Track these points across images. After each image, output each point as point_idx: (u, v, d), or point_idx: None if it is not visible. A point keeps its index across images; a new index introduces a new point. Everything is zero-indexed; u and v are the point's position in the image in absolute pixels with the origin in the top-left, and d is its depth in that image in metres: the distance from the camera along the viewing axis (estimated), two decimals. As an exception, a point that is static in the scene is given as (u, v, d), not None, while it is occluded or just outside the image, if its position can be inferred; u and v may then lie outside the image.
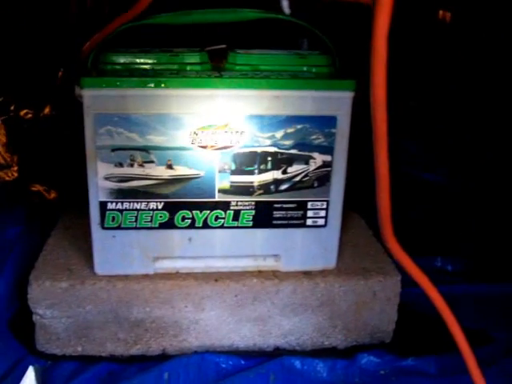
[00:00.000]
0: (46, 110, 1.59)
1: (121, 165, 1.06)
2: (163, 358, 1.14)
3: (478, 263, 1.49)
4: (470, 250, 1.55)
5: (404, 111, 1.73)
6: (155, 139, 1.05)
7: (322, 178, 1.11)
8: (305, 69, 1.11)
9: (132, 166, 1.06)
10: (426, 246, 1.52)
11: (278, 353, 1.17)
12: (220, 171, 1.08)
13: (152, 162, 1.07)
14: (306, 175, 1.11)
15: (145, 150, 1.06)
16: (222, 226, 1.12)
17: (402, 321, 1.22)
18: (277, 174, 1.10)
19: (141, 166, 1.07)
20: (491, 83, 1.76)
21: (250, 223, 1.12)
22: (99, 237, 1.11)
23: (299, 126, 1.08)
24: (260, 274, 1.16)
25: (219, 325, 1.16)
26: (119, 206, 1.09)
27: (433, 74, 1.85)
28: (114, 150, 1.05)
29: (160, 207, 1.10)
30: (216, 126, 1.06)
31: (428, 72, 1.83)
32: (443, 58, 1.82)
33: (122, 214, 1.09)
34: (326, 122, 1.08)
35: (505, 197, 1.70)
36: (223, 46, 1.15)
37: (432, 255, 1.51)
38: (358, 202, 1.39)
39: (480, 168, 1.79)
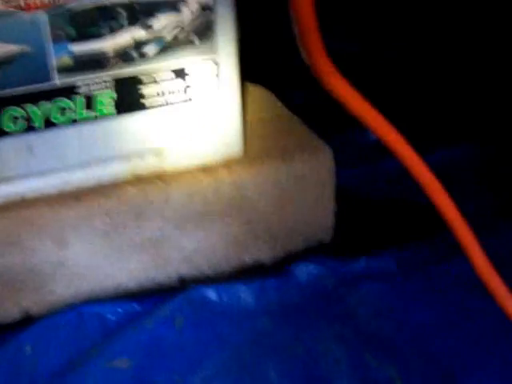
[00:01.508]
0: None
1: None
2: (28, 322, 0.97)
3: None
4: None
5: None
6: None
7: (204, 30, 0.94)
8: None
9: None
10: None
11: (184, 285, 1.03)
12: (54, 40, 0.88)
13: None
14: (178, 27, 0.92)
15: None
16: (72, 121, 0.93)
17: (342, 212, 1.10)
18: (137, 33, 0.91)
19: None
20: None
21: (112, 109, 0.94)
22: None
23: None
24: (139, 180, 0.99)
25: (94, 261, 0.99)
26: None
27: None
28: None
29: None
30: None
31: None
32: None
33: None
34: None
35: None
36: None
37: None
38: (263, 73, 1.26)
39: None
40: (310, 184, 1.04)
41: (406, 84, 1.54)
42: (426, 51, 1.63)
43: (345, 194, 1.11)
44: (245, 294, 0.97)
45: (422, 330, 0.90)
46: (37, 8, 0.86)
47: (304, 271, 1.00)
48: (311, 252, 1.06)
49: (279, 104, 1.21)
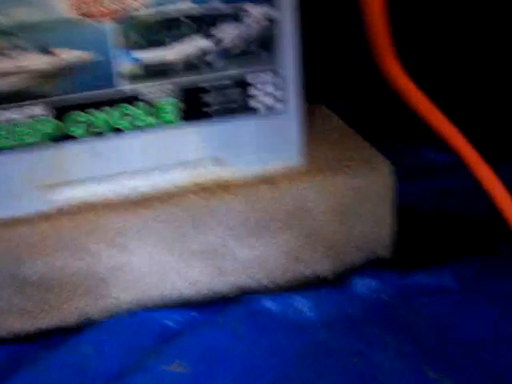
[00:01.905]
0: None
1: None
2: (86, 326, 0.96)
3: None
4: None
5: None
6: (18, 13, 0.84)
7: (265, 40, 0.92)
8: None
9: None
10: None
11: (241, 295, 1.02)
12: (119, 48, 0.88)
13: (18, 47, 0.86)
14: (241, 37, 0.92)
15: (5, 31, 0.85)
16: (134, 127, 0.93)
17: (402, 227, 1.07)
18: (200, 42, 0.91)
19: (2, 55, 0.86)
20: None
21: (174, 117, 0.93)
22: None
23: None
24: (200, 187, 0.98)
25: (153, 267, 0.98)
26: None
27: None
28: None
29: (41, 112, 0.89)
30: None
31: None
32: None
33: None
34: None
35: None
36: None
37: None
38: (323, 94, 1.25)
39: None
40: (369, 198, 1.02)
41: (474, 88, 1.50)
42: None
43: (404, 209, 1.09)
44: (302, 304, 0.95)
45: (480, 344, 0.88)
46: (105, 16, 0.86)
47: (362, 284, 0.98)
48: (369, 266, 1.04)
49: (339, 118, 1.19)
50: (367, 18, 0.83)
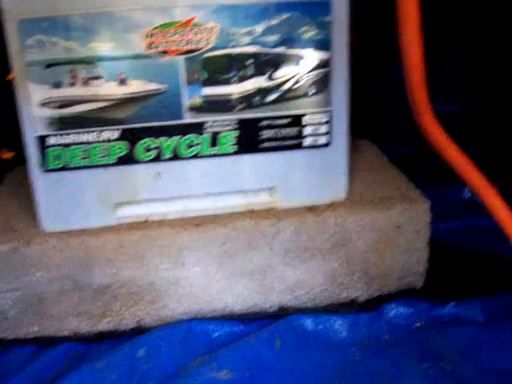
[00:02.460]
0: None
1: (59, 85, 0.90)
2: (140, 331, 1.00)
3: None
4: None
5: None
6: (100, 47, 0.89)
7: (320, 83, 0.96)
8: None
9: (74, 84, 0.90)
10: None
11: (284, 312, 1.04)
12: (188, 83, 0.93)
13: (99, 77, 0.91)
14: (298, 80, 0.95)
15: (88, 62, 0.90)
16: (197, 156, 0.97)
17: (435, 260, 1.08)
18: (261, 82, 0.95)
19: (85, 84, 0.91)
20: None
21: (233, 148, 0.97)
22: (42, 182, 0.95)
23: (284, 16, 0.92)
24: (253, 213, 1.01)
25: (206, 283, 1.01)
26: (63, 139, 0.93)
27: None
28: (48, 65, 0.89)
29: (116, 136, 0.94)
30: (177, 23, 0.90)
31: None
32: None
33: (67, 149, 0.93)
34: (317, 9, 0.92)
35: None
36: None
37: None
38: (368, 129, 1.30)
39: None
40: (406, 231, 1.03)
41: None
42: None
43: (438, 244, 1.10)
44: (339, 325, 0.97)
45: (504, 377, 0.89)
46: (176, 53, 0.91)
47: (395, 310, 0.99)
48: (403, 294, 1.04)
49: (382, 155, 1.21)
50: (406, 72, 0.84)
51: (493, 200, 0.86)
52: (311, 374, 0.91)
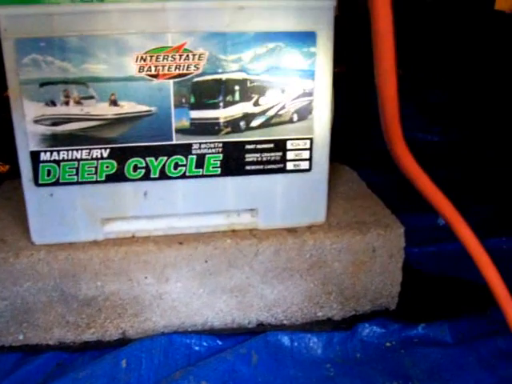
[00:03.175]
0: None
1: (53, 103, 0.91)
2: (123, 342, 1.00)
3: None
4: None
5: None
6: (94, 68, 0.91)
7: (303, 110, 0.98)
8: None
9: (67, 103, 0.92)
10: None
11: (261, 329, 1.05)
12: (176, 106, 0.94)
13: (92, 97, 0.92)
14: (282, 107, 0.97)
15: (82, 82, 0.91)
16: (183, 176, 0.98)
17: (407, 283, 1.10)
18: (247, 107, 0.96)
19: (78, 103, 0.92)
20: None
21: (218, 170, 0.98)
22: (33, 196, 0.96)
23: (271, 46, 0.93)
24: (234, 233, 1.03)
25: (188, 298, 1.02)
26: (55, 155, 0.94)
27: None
28: (43, 84, 0.90)
29: (106, 155, 0.95)
30: (168, 49, 0.91)
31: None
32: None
33: (59, 166, 0.94)
34: (303, 40, 0.94)
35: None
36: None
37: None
38: (347, 155, 1.32)
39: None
40: (381, 255, 1.04)
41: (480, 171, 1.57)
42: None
43: (411, 268, 1.12)
44: (314, 343, 0.98)
45: None
46: (166, 77, 0.92)
47: (368, 330, 1.00)
48: (376, 315, 1.06)
49: (361, 181, 1.23)
50: (380, 103, 0.85)
51: (460, 226, 0.86)
52: (284, 388, 0.92)
